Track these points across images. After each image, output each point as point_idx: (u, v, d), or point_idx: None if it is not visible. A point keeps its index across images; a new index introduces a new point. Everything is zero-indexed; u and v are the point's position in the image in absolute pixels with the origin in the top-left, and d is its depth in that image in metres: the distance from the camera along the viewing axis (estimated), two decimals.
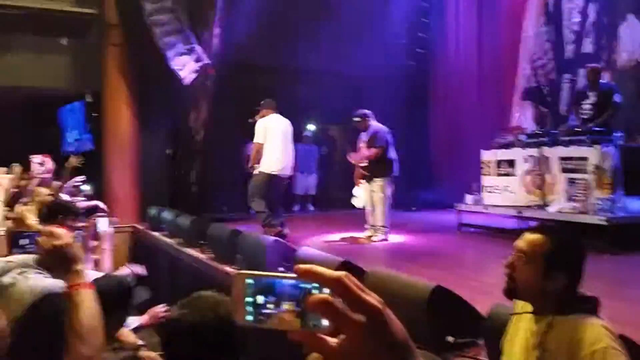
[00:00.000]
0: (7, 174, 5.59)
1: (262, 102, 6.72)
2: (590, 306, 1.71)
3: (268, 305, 0.74)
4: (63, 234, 1.56)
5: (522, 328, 1.82)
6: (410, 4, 10.93)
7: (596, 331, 1.58)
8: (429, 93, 11.03)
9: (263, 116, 6.54)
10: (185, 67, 8.35)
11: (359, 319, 0.66)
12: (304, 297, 0.72)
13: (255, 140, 6.49)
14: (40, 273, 2.54)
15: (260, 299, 0.74)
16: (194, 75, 8.43)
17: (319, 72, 10.38)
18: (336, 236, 7.03)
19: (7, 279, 2.64)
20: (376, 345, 0.66)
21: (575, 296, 1.73)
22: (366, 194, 6.78)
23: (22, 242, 2.33)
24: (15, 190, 5.23)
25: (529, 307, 1.80)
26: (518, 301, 1.88)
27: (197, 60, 8.39)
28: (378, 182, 6.63)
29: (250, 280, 0.76)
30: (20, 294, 2.61)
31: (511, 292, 1.80)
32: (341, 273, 0.69)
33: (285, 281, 0.74)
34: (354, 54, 10.25)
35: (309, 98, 11.18)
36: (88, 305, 1.50)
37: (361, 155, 6.76)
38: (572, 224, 5.68)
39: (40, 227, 3.68)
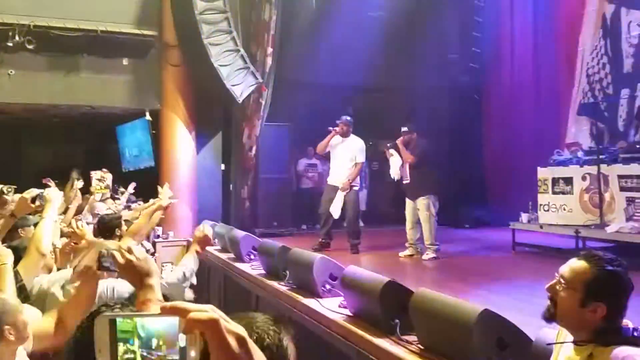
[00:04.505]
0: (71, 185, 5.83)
1: (348, 118, 7.21)
2: (632, 337, 1.66)
3: (142, 350, 0.75)
4: (138, 250, 1.65)
5: (565, 357, 1.79)
6: (464, 18, 10.84)
7: None
8: (483, 108, 10.86)
9: (345, 133, 7.10)
10: (240, 86, 8.58)
11: (233, 344, 0.73)
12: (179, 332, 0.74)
13: (362, 160, 7.16)
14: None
15: (135, 344, 0.75)
16: (247, 93, 8.65)
17: (369, 88, 10.43)
18: (386, 253, 7.00)
19: (55, 289, 2.78)
20: None
21: (616, 327, 1.68)
22: (409, 212, 6.73)
23: (105, 263, 2.30)
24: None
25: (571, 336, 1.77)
26: (562, 329, 1.85)
27: (251, 78, 8.61)
28: (423, 200, 6.56)
29: (119, 323, 0.76)
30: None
31: (550, 316, 1.78)
32: (206, 306, 0.76)
33: (157, 323, 0.75)
34: (406, 70, 10.24)
35: (360, 114, 11.24)
36: None
37: (403, 152, 6.75)
38: (631, 244, 5.48)
39: (100, 241, 3.86)
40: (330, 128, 7.19)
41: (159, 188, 4.75)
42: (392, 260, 6.60)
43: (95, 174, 5.60)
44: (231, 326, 0.76)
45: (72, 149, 10.54)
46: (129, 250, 1.62)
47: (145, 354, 0.76)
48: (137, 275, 1.58)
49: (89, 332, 2.01)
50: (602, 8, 8.44)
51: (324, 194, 7.29)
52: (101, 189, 5.63)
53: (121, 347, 0.76)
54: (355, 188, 7.08)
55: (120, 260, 1.60)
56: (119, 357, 0.76)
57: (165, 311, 0.75)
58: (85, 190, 6.49)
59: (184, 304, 0.76)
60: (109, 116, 10.08)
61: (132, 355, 0.76)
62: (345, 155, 7.08)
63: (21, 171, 6.78)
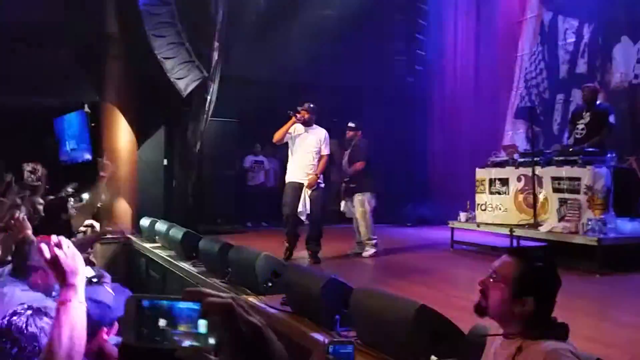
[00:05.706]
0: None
1: (311, 105, 6.22)
2: (560, 332, 1.74)
3: (165, 327, 0.78)
4: (68, 245, 1.54)
5: (495, 349, 1.85)
6: (410, 21, 11.05)
7: (564, 358, 1.61)
8: (427, 110, 11.10)
9: (307, 121, 6.15)
10: (184, 79, 8.42)
11: (248, 332, 0.75)
12: (199, 318, 0.76)
13: (328, 151, 6.27)
14: (16, 283, 2.57)
15: (162, 322, 0.78)
16: (192, 87, 8.50)
17: (316, 86, 10.45)
18: (329, 251, 7.04)
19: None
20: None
21: (544, 322, 1.76)
22: (349, 209, 6.88)
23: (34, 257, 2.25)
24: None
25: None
26: (494, 322, 1.91)
27: (196, 72, 8.46)
28: (358, 197, 6.71)
29: (145, 303, 0.79)
30: None
31: (481, 310, 1.84)
32: (227, 294, 0.79)
33: (181, 305, 0.78)
34: (353, 69, 10.32)
35: None
36: (73, 322, 1.46)
37: (348, 173, 6.86)
38: (563, 243, 5.72)
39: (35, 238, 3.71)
40: (291, 113, 6.17)
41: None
42: (334, 257, 6.64)
43: (27, 166, 5.36)
44: (249, 316, 0.77)
45: (6, 141, 10.06)
46: (58, 244, 1.53)
47: (164, 337, 0.78)
48: (62, 272, 1.50)
49: None
50: (541, 15, 8.79)
51: (285, 194, 6.19)
52: (33, 181, 5.38)
53: (145, 329, 0.79)
54: (322, 185, 6.23)
55: (47, 254, 1.51)
56: (143, 338, 0.79)
57: (187, 295, 0.78)
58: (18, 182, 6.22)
59: (205, 289, 0.79)
60: (45, 108, 9.68)
61: (156, 337, 0.78)
62: (308, 147, 6.15)
63: None
